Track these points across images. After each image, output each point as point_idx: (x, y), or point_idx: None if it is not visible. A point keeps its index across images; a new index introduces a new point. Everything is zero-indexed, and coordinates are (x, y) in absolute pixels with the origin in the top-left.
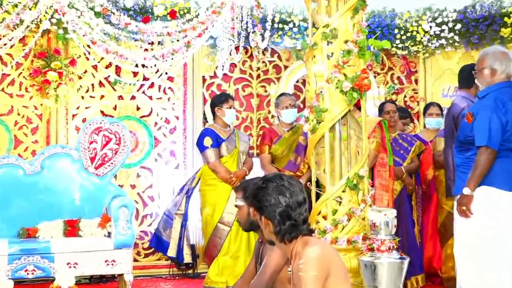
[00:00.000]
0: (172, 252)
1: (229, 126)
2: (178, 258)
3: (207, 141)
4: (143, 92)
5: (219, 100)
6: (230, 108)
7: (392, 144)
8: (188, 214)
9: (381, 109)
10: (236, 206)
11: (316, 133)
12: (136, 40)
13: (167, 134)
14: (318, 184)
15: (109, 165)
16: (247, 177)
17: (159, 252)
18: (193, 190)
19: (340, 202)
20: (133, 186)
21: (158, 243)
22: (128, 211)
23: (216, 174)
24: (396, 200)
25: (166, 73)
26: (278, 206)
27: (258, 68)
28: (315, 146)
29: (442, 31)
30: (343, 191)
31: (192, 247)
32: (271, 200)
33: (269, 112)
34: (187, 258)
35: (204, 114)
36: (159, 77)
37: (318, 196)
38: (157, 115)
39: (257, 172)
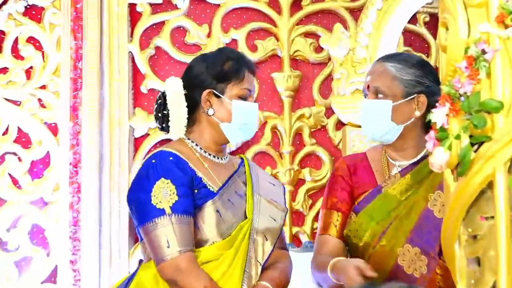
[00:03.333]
0: None
1: (225, 152)
2: None
3: (159, 193)
4: None
5: (215, 72)
6: (246, 98)
7: None
8: None
9: None
10: None
11: (471, 175)
12: None
13: (25, 181)
14: None
15: None
16: None
17: None
18: None
19: None
20: None
21: None
22: None
23: None
24: None
25: None
26: None
27: None
28: (466, 213)
29: None
30: None
31: None
32: None
33: (330, 112)
34: None
35: (161, 114)
36: None
37: None
38: None
39: None
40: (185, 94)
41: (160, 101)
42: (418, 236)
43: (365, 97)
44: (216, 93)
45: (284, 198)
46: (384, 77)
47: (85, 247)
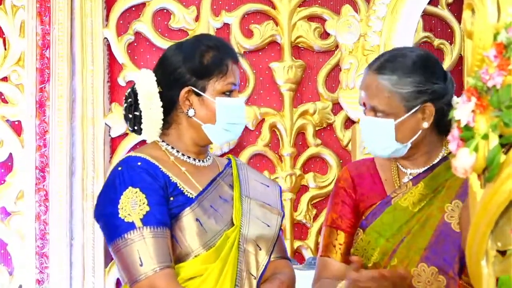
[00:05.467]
0: None
1: (208, 153)
2: None
3: (127, 204)
4: None
5: (194, 66)
6: (231, 92)
7: None
8: None
9: None
10: None
11: (500, 181)
12: None
13: None
14: None
15: None
16: None
17: None
18: None
19: None
20: None
21: None
22: None
23: None
24: None
25: None
26: None
27: None
28: (495, 224)
29: None
30: None
31: None
32: None
33: (337, 108)
34: None
35: (132, 115)
36: None
37: None
38: None
39: None
40: (159, 92)
41: (130, 100)
42: (435, 254)
43: (364, 111)
44: (197, 90)
45: (281, 201)
46: (379, 94)
47: (53, 264)
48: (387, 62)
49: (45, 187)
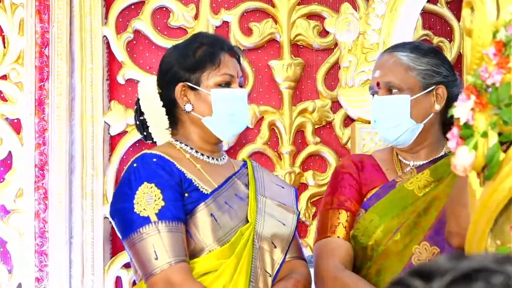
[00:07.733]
0: None
1: (223, 153)
2: None
3: (142, 199)
4: None
5: (187, 62)
6: (229, 84)
7: None
8: None
9: None
10: None
11: (500, 179)
12: None
13: None
14: None
15: None
16: None
17: None
18: None
19: None
20: None
21: None
22: None
23: None
24: None
25: None
26: None
27: None
28: (494, 222)
29: None
30: None
31: None
32: None
33: (337, 106)
34: None
35: (139, 121)
36: None
37: None
38: None
39: None
40: (160, 93)
41: (136, 107)
42: (438, 235)
43: (373, 95)
44: (191, 85)
45: (296, 202)
46: (396, 69)
47: (53, 262)
48: (404, 44)
49: (44, 185)
